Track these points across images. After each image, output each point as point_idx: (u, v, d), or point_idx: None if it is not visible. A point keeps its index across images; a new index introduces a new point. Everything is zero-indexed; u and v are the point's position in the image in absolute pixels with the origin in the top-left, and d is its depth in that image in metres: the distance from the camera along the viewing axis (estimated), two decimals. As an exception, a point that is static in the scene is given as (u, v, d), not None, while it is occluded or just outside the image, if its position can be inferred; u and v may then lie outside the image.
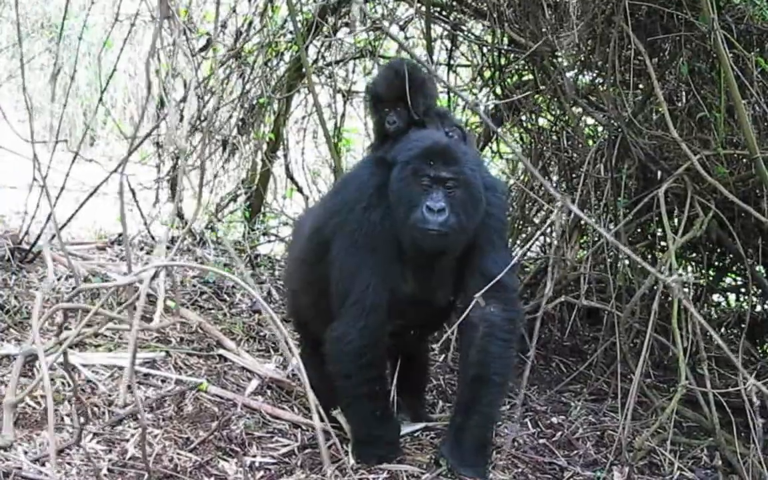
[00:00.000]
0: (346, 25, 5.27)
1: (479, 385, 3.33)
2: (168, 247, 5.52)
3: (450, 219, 3.22)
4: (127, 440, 3.27)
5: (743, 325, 4.34)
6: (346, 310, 3.33)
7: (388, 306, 3.32)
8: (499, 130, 5.11)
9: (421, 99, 3.62)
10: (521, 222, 5.25)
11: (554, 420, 4.03)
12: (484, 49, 5.17)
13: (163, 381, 3.80)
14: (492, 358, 3.32)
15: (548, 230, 4.75)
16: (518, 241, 5.09)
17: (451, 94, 5.17)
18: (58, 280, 4.51)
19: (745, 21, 4.10)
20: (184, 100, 5.39)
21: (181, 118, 5.49)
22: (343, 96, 6.07)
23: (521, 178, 5.31)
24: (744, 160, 4.18)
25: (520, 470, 3.50)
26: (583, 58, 4.66)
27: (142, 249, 5.34)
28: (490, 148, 5.42)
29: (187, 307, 4.57)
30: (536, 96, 4.83)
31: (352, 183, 3.47)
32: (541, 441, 3.81)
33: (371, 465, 3.34)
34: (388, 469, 3.31)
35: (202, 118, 5.53)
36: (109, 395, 3.56)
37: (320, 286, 3.47)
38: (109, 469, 3.08)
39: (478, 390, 3.34)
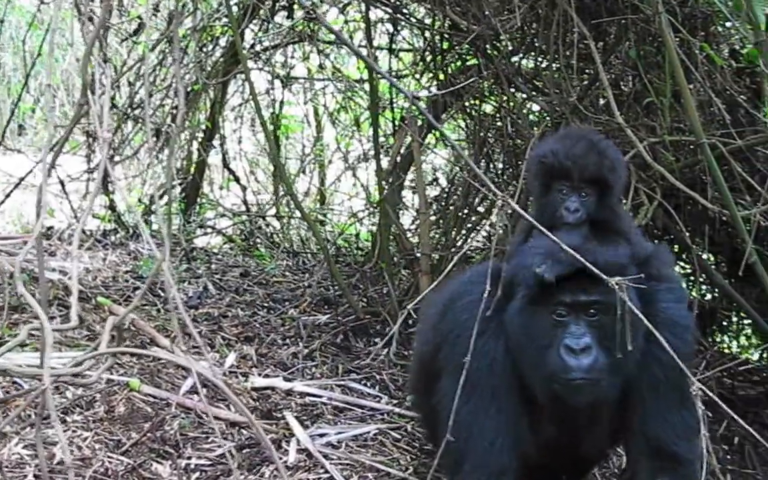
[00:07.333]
0: (284, 8, 5.13)
1: None
2: (99, 241, 5.38)
3: (599, 359, 2.48)
4: (55, 444, 3.09)
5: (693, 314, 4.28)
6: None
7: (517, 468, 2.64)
8: (443, 116, 5.02)
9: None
10: (466, 211, 5.16)
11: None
12: (426, 33, 5.06)
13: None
14: None
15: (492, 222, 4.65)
16: (463, 232, 5.00)
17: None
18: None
19: (690, 4, 4.06)
20: (116, 86, 5.22)
21: (112, 106, 5.32)
22: (282, 82, 5.97)
23: (466, 167, 5.22)
24: (690, 146, 4.13)
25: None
26: (526, 42, 4.58)
27: (71, 243, 5.14)
28: (434, 135, 5.33)
29: (119, 303, 4.41)
30: (480, 81, 4.74)
31: (460, 302, 2.72)
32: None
33: None
34: None
35: (134, 106, 5.37)
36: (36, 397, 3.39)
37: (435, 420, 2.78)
38: (35, 476, 2.94)
39: None
